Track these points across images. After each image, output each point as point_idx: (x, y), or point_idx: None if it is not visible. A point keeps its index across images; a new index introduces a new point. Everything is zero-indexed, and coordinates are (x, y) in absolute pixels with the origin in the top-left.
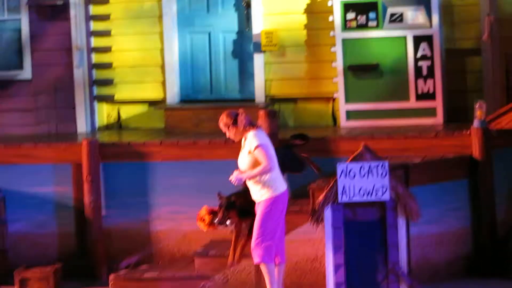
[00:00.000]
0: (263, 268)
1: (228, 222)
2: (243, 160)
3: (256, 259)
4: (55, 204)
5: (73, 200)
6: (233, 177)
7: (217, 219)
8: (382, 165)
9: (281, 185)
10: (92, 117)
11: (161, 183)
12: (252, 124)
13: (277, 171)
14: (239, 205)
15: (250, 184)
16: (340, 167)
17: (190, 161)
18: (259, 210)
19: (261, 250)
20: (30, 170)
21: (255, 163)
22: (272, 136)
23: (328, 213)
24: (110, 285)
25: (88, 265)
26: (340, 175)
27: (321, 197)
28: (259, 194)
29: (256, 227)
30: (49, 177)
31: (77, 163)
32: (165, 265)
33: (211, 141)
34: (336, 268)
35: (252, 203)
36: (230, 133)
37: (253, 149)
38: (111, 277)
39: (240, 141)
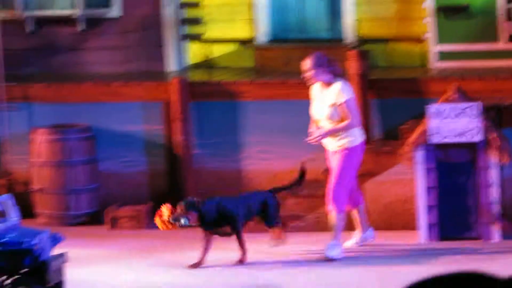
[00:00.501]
0: (334, 216)
1: (183, 220)
2: (323, 110)
3: (332, 207)
4: (145, 143)
5: (164, 139)
6: (315, 136)
7: (172, 216)
8: (474, 106)
9: (360, 135)
10: (181, 56)
11: (250, 122)
12: (340, 75)
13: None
14: (210, 216)
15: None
16: (431, 108)
17: (279, 101)
18: (337, 159)
19: (339, 199)
20: (120, 109)
21: (338, 116)
22: (363, 77)
23: (419, 154)
24: None
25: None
26: (432, 116)
27: (412, 138)
28: (338, 143)
29: (335, 176)
30: (139, 115)
31: (167, 102)
32: None
33: (301, 80)
34: (428, 209)
35: (226, 216)
36: (312, 75)
37: (341, 101)
38: None
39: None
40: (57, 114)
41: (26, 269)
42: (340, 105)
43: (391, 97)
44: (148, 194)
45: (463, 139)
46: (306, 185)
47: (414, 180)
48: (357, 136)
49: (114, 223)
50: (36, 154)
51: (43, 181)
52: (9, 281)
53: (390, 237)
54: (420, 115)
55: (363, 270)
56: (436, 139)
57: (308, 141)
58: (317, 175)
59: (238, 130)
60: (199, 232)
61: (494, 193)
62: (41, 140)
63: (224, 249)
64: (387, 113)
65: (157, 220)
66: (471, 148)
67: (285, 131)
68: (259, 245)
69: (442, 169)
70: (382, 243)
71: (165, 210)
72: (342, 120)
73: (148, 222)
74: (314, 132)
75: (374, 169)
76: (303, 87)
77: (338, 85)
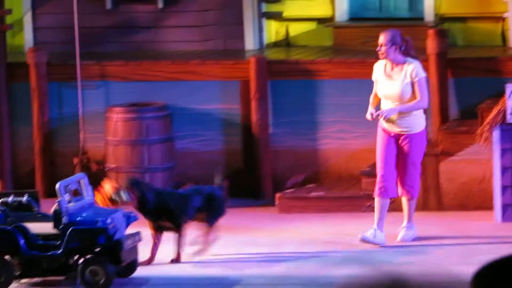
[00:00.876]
0: (408, 202)
1: (125, 196)
2: (394, 89)
3: (411, 194)
4: (222, 122)
5: (240, 118)
6: (383, 113)
7: (114, 191)
8: None
9: (425, 120)
10: (260, 34)
11: (328, 101)
12: (413, 56)
13: None
14: (149, 204)
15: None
16: (509, 87)
17: (358, 80)
18: (411, 143)
19: (414, 185)
20: (197, 87)
21: (409, 95)
22: (441, 56)
23: (496, 133)
24: (276, 204)
25: (254, 183)
26: (510, 96)
27: (489, 118)
28: (410, 125)
29: (411, 161)
30: (216, 94)
31: (245, 80)
32: (331, 184)
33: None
34: (503, 189)
35: (173, 207)
36: (384, 51)
37: (415, 79)
38: (277, 195)
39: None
40: (133, 93)
41: (99, 248)
42: (413, 83)
43: (469, 76)
44: (223, 173)
45: None
46: None
47: (490, 160)
48: (423, 120)
49: None
50: (112, 133)
51: (119, 160)
52: (82, 260)
53: (465, 216)
54: (498, 95)
55: (442, 249)
56: None
57: (375, 118)
58: None
59: (315, 109)
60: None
61: None
62: (117, 119)
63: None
64: (464, 92)
65: (97, 197)
66: None
67: (363, 111)
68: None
69: None
70: (459, 222)
71: (107, 186)
72: (412, 100)
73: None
74: (382, 110)
75: (450, 148)
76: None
77: (412, 64)
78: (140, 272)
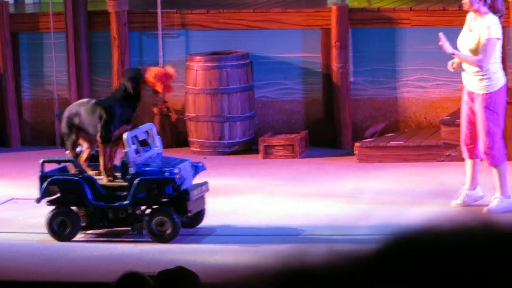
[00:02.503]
0: (496, 169)
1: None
2: (466, 40)
3: (491, 163)
4: (302, 70)
5: (321, 66)
6: (447, 46)
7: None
8: None
9: (502, 78)
10: None
11: (409, 50)
12: (498, 12)
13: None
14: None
15: (467, 69)
16: None
17: (439, 28)
18: (480, 105)
19: (496, 151)
20: (278, 35)
21: (476, 49)
22: None
23: None
24: (355, 153)
25: (333, 132)
26: None
27: None
28: (478, 84)
29: (483, 125)
30: (297, 42)
31: (326, 29)
32: (411, 133)
33: (461, 7)
34: None
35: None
36: (469, 1)
37: (484, 37)
38: (356, 145)
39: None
40: (214, 41)
41: (166, 199)
42: (484, 39)
43: None
44: (303, 122)
45: None
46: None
47: None
48: (495, 82)
49: (268, 151)
50: (192, 81)
51: (198, 109)
52: (149, 210)
53: None
54: None
55: None
56: None
57: (455, 68)
58: None
59: (396, 57)
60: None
61: None
62: (198, 67)
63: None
64: None
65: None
66: None
67: (443, 59)
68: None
69: None
70: None
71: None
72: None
73: (301, 150)
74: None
75: None
76: (464, 14)
77: (489, 20)
78: (205, 222)
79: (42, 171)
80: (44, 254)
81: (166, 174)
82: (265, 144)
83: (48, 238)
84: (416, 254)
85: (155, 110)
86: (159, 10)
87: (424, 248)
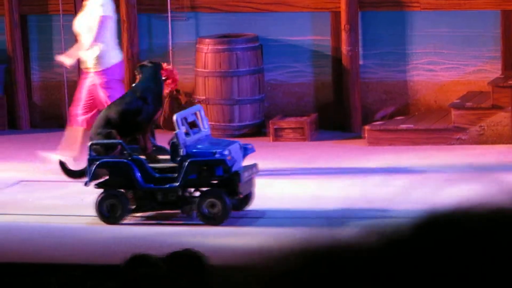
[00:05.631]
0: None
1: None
2: (82, 19)
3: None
4: (312, 53)
5: (331, 49)
6: (65, 60)
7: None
8: None
9: (116, 56)
10: None
11: (419, 33)
12: None
13: None
14: None
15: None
16: None
17: (449, 11)
18: (96, 83)
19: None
20: (287, 18)
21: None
22: None
23: None
24: (364, 136)
25: (343, 115)
26: None
27: None
28: (92, 63)
29: (101, 103)
30: (306, 25)
31: (336, 11)
32: (421, 116)
33: None
34: None
35: None
36: None
37: (96, 14)
38: (366, 128)
39: None
40: (224, 24)
41: (217, 181)
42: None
43: None
44: (313, 105)
45: None
46: (472, 97)
47: None
48: (113, 56)
49: (278, 134)
50: (202, 64)
51: (208, 92)
52: (199, 193)
53: None
54: None
55: None
56: None
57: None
58: (484, 87)
59: (405, 40)
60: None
61: None
62: (208, 50)
63: None
64: None
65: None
66: None
67: (453, 43)
68: None
69: None
70: None
71: None
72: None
73: (312, 133)
74: None
75: None
76: None
77: None
78: (255, 204)
79: (90, 154)
80: (57, 236)
81: (217, 155)
82: (275, 126)
83: (59, 220)
84: (448, 234)
85: (165, 92)
86: None
87: (456, 228)
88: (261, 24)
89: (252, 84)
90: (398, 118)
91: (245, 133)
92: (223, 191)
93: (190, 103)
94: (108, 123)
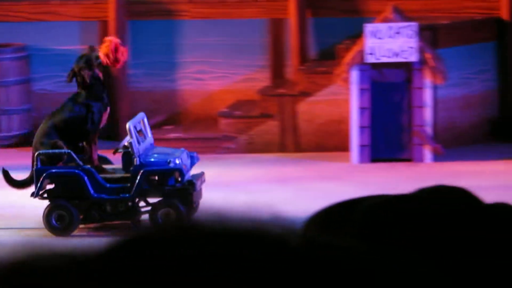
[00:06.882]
0: None
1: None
2: None
3: None
4: None
5: None
6: None
7: None
8: (410, 26)
9: None
10: None
11: (188, 42)
12: None
13: None
14: None
15: None
16: (367, 28)
17: (218, 20)
18: None
19: None
20: (56, 27)
21: None
22: None
23: (354, 74)
24: None
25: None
26: (368, 36)
27: (348, 58)
28: None
29: None
30: (75, 34)
31: (104, 21)
32: (190, 125)
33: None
34: (361, 130)
35: None
36: None
37: None
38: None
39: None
40: None
41: (171, 190)
42: None
43: (328, 16)
44: None
45: (398, 59)
46: (240, 106)
47: (348, 100)
48: None
49: None
50: None
51: None
52: (153, 202)
53: (322, 157)
54: (356, 35)
55: (293, 189)
56: (371, 59)
57: None
58: (252, 96)
59: (175, 49)
60: None
61: (427, 114)
62: None
63: None
64: (323, 32)
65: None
66: (406, 68)
67: (222, 51)
68: None
69: (377, 90)
70: (314, 163)
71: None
72: None
73: None
74: None
75: (308, 89)
76: (244, 6)
77: None
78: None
79: (37, 165)
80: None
81: (172, 165)
82: None
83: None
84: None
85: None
86: None
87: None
88: (29, 33)
89: (19, 94)
90: (167, 127)
91: (14, 143)
92: (178, 201)
93: None
94: (51, 132)
